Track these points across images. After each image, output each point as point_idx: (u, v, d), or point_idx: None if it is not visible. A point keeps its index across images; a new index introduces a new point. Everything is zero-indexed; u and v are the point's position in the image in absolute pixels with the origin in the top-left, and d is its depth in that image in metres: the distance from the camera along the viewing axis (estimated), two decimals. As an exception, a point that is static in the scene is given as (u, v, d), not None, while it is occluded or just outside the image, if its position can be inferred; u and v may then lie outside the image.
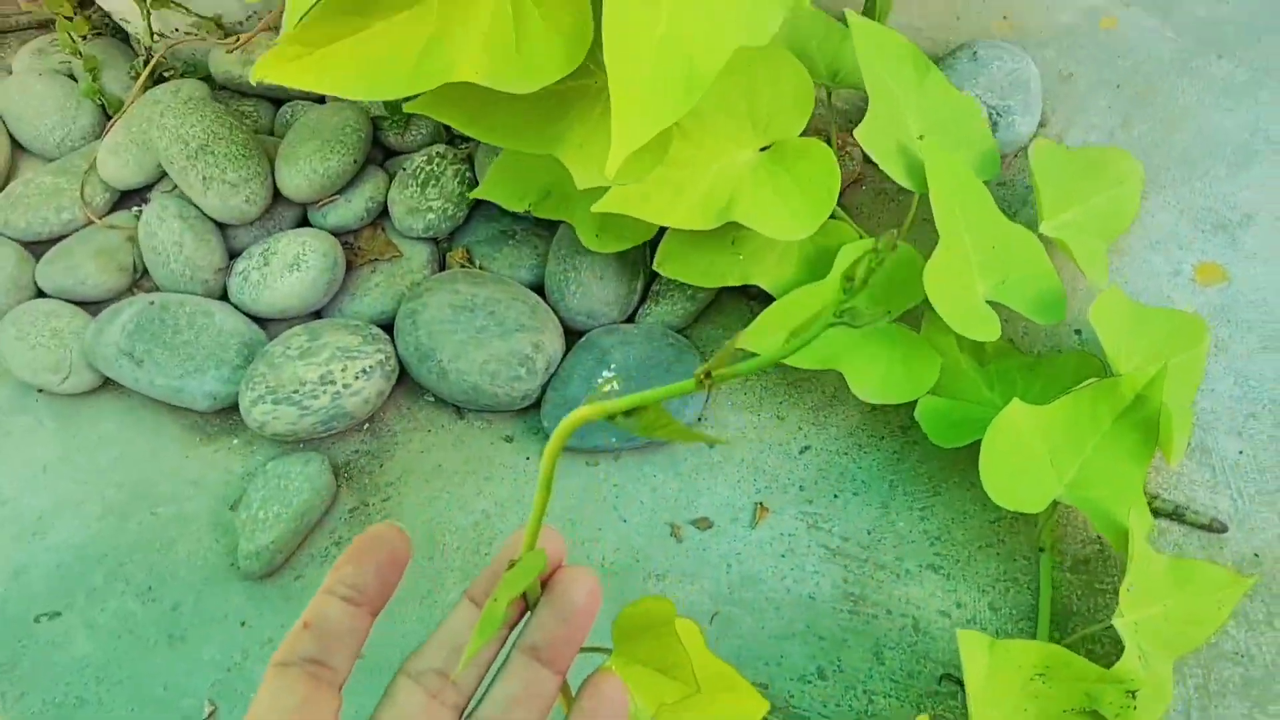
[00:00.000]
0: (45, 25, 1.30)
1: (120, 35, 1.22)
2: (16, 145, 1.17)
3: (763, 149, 0.80)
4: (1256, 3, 1.06)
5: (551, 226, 0.98)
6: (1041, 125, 0.99)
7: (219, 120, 0.98)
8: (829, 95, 1.00)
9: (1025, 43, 1.06)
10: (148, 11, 1.04)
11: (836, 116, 1.02)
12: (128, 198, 1.09)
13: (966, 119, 0.88)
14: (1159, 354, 0.77)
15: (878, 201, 0.99)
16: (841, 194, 0.93)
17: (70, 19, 1.08)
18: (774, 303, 0.82)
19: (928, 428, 0.76)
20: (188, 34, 1.11)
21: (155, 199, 1.02)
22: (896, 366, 0.79)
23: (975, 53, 0.97)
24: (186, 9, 1.06)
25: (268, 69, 0.61)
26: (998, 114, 0.94)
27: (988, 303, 0.78)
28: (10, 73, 1.24)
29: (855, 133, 0.79)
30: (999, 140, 0.95)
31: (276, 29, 1.12)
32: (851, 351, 0.79)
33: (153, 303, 0.95)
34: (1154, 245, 0.91)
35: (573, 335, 0.93)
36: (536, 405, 0.89)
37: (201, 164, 0.96)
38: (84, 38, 1.15)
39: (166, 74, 1.15)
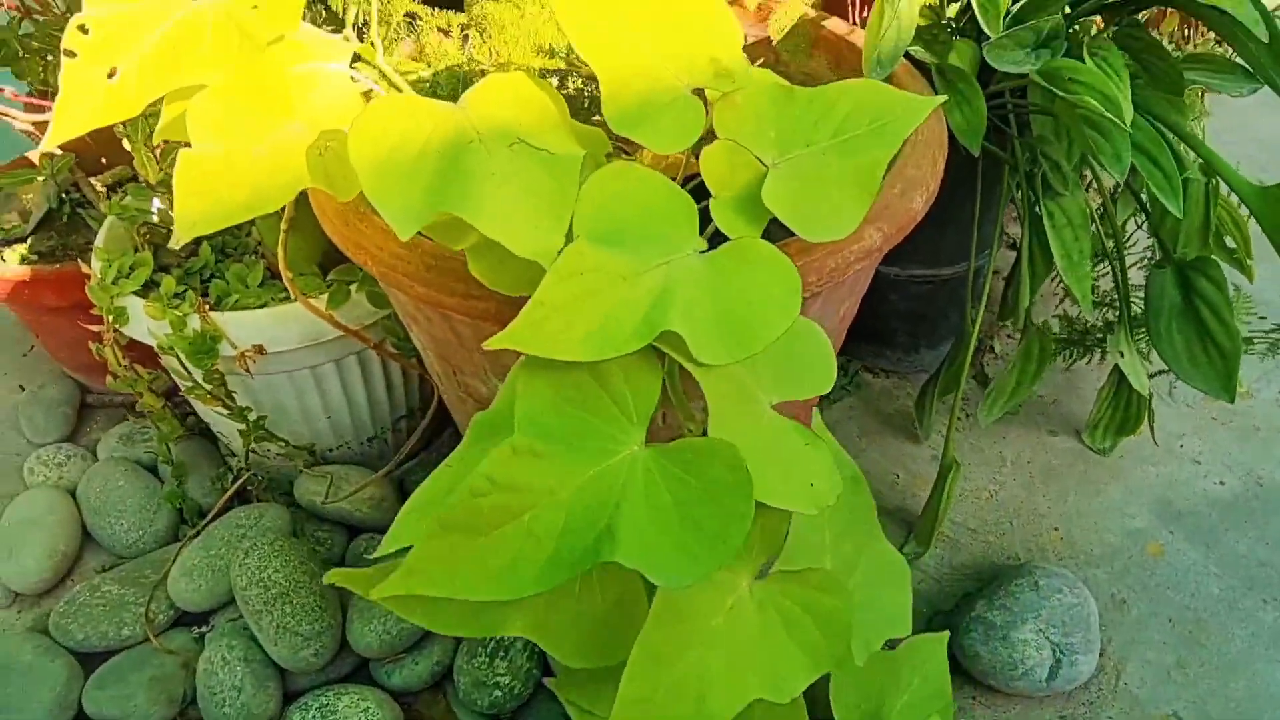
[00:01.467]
0: (134, 406, 1.36)
1: (208, 435, 1.27)
2: (86, 533, 1.19)
3: None
4: (1294, 544, 1.12)
5: (615, 714, 0.97)
6: (1100, 654, 1.02)
7: (302, 567, 1.01)
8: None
9: (1076, 558, 1.11)
10: (250, 441, 1.10)
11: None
12: (189, 613, 1.09)
13: None
14: None
15: None
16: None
17: (162, 428, 1.14)
18: None
19: None
20: (279, 455, 1.16)
21: (220, 630, 1.03)
22: None
23: (1037, 582, 1.01)
24: (286, 441, 1.12)
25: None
26: (1061, 651, 0.97)
27: None
28: (95, 455, 1.29)
29: None
30: (1061, 677, 0.97)
31: (360, 461, 1.18)
32: None
33: (199, 752, 0.93)
34: (1221, 814, 0.91)
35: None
36: None
37: (278, 612, 0.97)
38: (176, 439, 1.20)
39: (249, 487, 1.19)
